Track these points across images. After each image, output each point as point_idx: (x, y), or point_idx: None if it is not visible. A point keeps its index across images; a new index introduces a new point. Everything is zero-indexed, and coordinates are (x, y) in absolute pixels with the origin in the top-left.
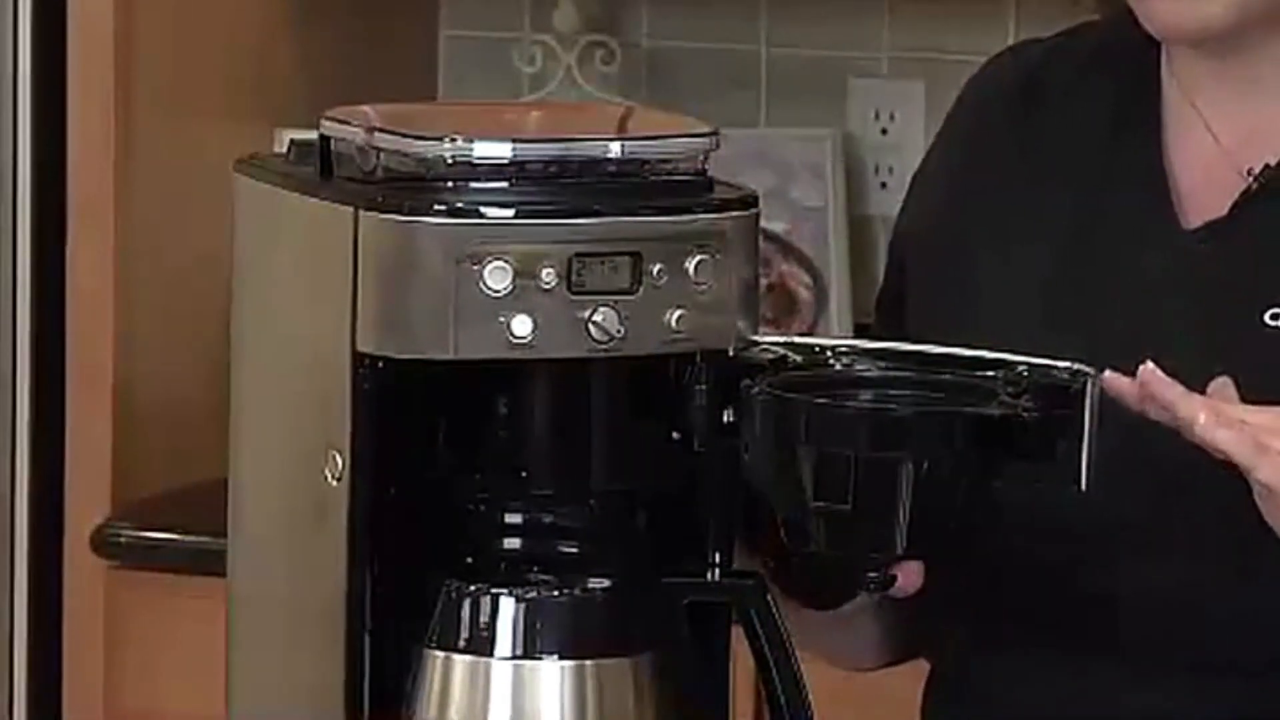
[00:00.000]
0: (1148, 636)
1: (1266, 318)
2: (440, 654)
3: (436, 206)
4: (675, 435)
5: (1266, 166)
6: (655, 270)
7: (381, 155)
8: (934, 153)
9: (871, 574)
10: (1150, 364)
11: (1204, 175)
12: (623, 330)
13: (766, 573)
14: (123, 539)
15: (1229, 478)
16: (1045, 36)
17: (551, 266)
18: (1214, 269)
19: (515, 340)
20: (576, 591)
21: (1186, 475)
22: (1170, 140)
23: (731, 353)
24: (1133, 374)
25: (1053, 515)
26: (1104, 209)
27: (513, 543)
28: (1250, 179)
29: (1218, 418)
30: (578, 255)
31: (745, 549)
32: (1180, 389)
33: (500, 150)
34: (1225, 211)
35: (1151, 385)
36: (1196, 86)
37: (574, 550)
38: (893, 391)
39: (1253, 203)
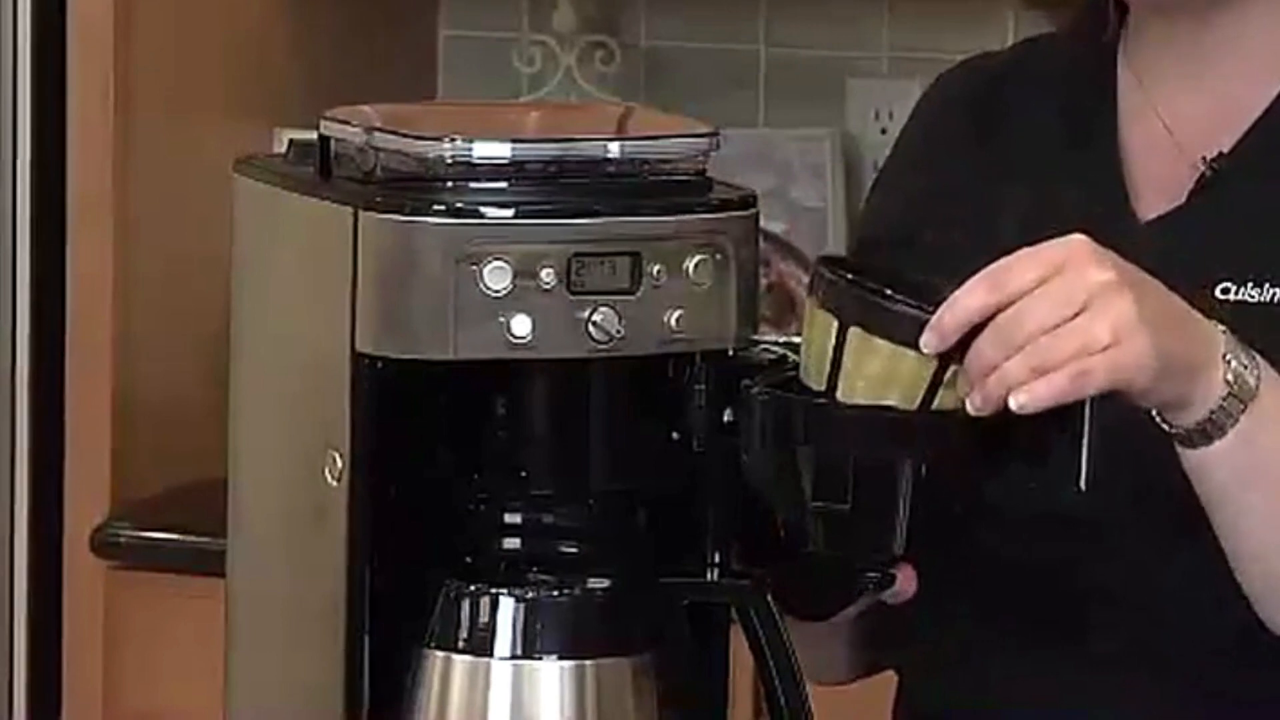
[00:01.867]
0: (1146, 632)
1: (1217, 292)
2: (440, 654)
3: (436, 206)
4: (675, 435)
5: (1220, 154)
6: (655, 270)
7: (381, 155)
8: (890, 164)
9: (870, 574)
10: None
11: (1158, 168)
12: (622, 330)
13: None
14: (122, 539)
15: None
16: (1000, 50)
17: (551, 266)
18: (1169, 254)
19: (515, 340)
20: (576, 592)
21: (1175, 467)
22: (1125, 136)
23: (731, 353)
24: None
25: (1050, 514)
26: (1059, 205)
27: (512, 543)
28: (1205, 166)
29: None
30: (577, 255)
31: (743, 558)
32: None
33: (500, 150)
34: (1183, 200)
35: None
36: (1153, 78)
37: (573, 550)
38: None
39: (1207, 190)
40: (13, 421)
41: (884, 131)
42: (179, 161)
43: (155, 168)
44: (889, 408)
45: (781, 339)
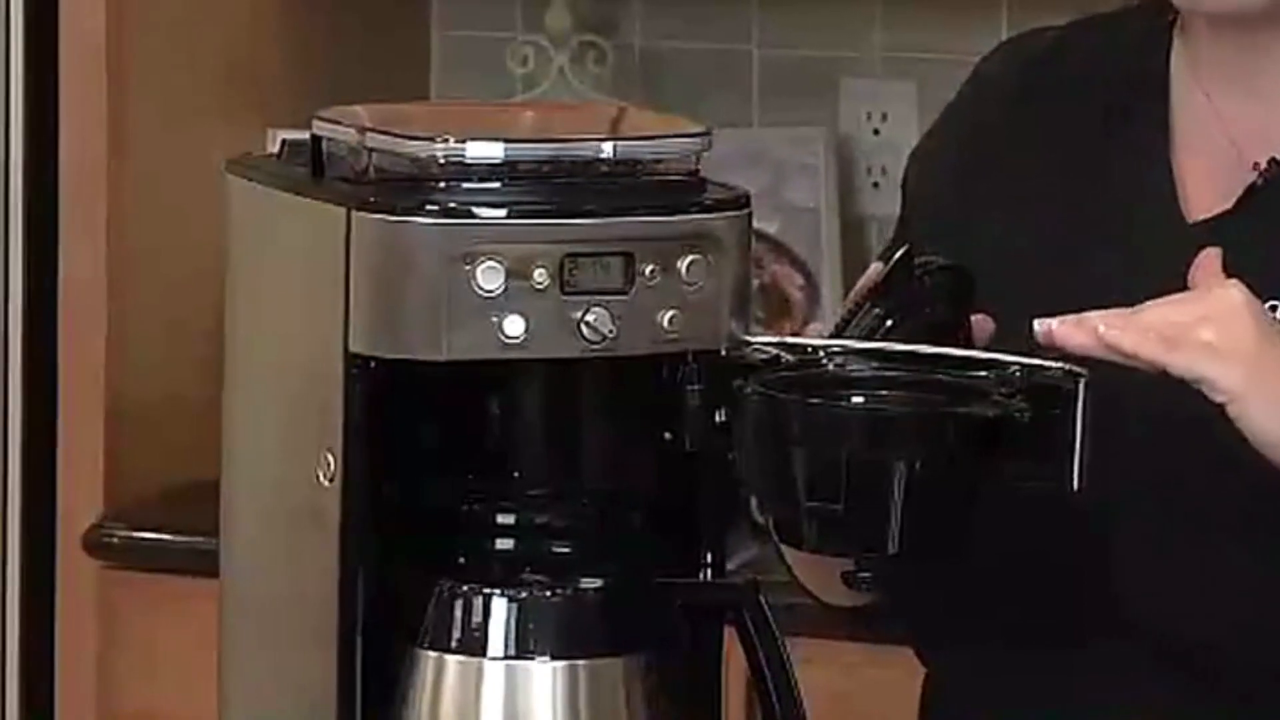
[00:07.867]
0: (1150, 630)
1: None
2: (433, 654)
3: (429, 207)
4: (668, 435)
5: (1273, 160)
6: (647, 270)
7: (374, 155)
8: (938, 130)
9: (863, 574)
10: (1046, 324)
11: (1212, 169)
12: (615, 330)
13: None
14: (115, 539)
15: (1226, 462)
16: (1055, 26)
17: (544, 267)
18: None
19: (507, 340)
20: (569, 592)
21: (1181, 465)
22: (1179, 134)
23: (724, 353)
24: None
25: (1047, 512)
26: (1105, 197)
27: (505, 543)
28: (1256, 173)
29: (1102, 324)
30: (570, 255)
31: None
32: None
33: (493, 151)
34: (1230, 206)
35: (1056, 339)
36: (1212, 81)
37: (566, 550)
38: (885, 392)
39: (1258, 196)
40: (5, 421)
41: (877, 132)
42: (172, 161)
43: (148, 167)
44: (883, 408)
45: (774, 339)
